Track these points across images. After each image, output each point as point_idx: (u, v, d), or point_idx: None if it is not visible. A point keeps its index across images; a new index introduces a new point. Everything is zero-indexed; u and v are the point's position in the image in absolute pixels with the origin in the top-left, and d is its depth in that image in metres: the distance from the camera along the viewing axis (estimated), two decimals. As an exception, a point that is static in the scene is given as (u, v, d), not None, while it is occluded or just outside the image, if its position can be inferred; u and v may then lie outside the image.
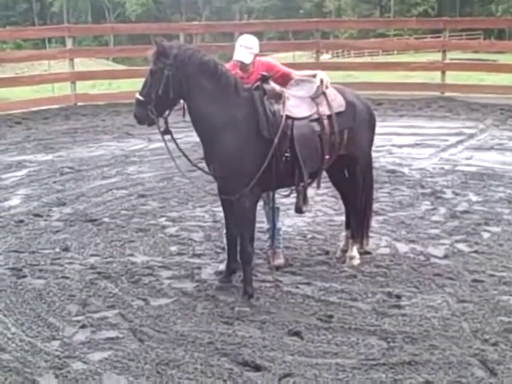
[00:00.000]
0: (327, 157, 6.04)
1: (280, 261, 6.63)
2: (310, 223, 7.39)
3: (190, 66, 5.59)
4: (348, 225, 6.85)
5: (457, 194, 8.93)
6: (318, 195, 8.63)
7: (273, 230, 6.65)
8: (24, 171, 10.59)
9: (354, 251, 6.62)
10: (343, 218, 7.00)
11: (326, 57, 42.84)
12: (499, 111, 14.87)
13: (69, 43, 17.14)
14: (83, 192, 9.33)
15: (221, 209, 8.41)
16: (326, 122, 6.00)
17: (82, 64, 20.63)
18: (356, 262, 6.57)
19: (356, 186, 6.52)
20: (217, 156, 5.80)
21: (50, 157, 11.59)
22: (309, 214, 6.88)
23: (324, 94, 6.12)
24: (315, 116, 5.99)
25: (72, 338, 5.26)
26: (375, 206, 8.27)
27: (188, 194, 9.11)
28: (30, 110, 15.82)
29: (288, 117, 5.83)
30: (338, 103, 6.14)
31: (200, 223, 7.93)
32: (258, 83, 5.85)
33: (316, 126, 5.98)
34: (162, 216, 8.25)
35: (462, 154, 11.29)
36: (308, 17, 55.59)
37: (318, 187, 6.48)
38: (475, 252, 6.90)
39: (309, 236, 7.12)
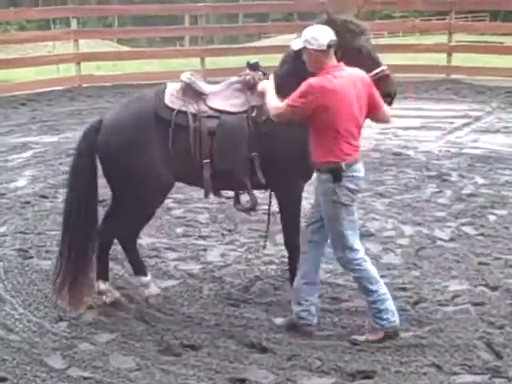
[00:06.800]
0: None
1: None
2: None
3: None
4: None
5: (463, 177, 8.90)
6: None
7: None
8: (29, 153, 10.57)
9: None
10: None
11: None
12: (505, 94, 14.74)
13: (73, 24, 17.08)
14: (89, 174, 9.29)
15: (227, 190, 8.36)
16: None
17: (87, 45, 20.47)
18: None
19: None
20: None
21: (55, 138, 11.55)
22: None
23: None
24: None
25: (79, 319, 5.29)
26: (381, 189, 8.28)
27: (193, 176, 9.06)
28: (35, 92, 15.75)
29: None
30: None
31: (206, 205, 7.91)
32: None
33: None
34: (168, 198, 8.18)
35: (468, 137, 11.22)
36: (313, -2, 54.95)
37: None
38: (481, 235, 6.89)
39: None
